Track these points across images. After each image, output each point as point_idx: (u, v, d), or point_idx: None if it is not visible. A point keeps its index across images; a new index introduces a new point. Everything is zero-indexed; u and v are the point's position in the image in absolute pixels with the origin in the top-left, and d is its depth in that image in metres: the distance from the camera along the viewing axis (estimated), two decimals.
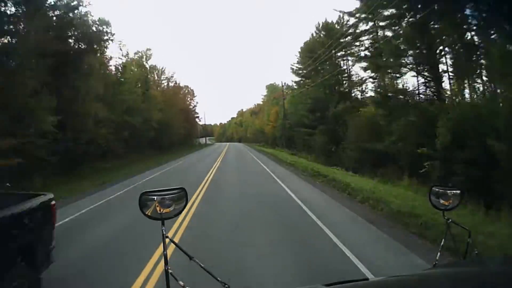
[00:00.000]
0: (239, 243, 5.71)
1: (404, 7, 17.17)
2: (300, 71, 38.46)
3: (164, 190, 1.54)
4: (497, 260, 1.41)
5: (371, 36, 24.59)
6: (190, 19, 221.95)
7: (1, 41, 14.52)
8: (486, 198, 8.90)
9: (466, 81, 14.16)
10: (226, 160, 26.30)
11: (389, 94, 18.28)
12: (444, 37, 15.86)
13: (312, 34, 34.86)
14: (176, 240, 5.03)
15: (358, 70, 30.60)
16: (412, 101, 17.20)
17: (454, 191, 1.81)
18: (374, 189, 10.06)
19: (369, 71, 24.56)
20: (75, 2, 18.66)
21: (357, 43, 27.32)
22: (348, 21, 28.25)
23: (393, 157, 15.87)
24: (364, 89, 28.74)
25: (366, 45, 25.81)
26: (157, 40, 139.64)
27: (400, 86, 19.01)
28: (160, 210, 1.50)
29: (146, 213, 1.52)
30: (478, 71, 13.74)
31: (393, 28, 19.15)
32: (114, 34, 22.89)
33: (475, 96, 13.45)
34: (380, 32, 22.61)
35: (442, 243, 1.72)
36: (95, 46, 20.97)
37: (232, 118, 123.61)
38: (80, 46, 19.49)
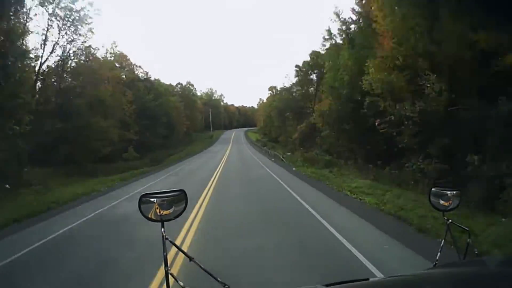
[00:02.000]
0: None
1: None
2: None
3: (163, 192, 1.54)
4: (496, 260, 1.41)
5: None
6: None
7: None
8: None
9: None
10: None
11: None
12: None
13: None
14: None
15: None
16: None
17: (453, 192, 1.81)
18: None
19: None
20: None
21: None
22: None
23: None
24: None
25: None
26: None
27: None
28: (160, 212, 1.50)
29: (146, 215, 1.52)
30: None
31: None
32: None
33: None
34: None
35: (442, 244, 1.72)
36: None
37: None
38: None
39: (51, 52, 23.87)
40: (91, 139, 23.59)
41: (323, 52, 29.57)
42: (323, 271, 4.53)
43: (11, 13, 16.02)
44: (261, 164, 24.65)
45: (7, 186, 12.93)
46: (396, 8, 12.96)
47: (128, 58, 40.46)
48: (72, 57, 26.03)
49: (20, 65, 16.35)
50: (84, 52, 26.75)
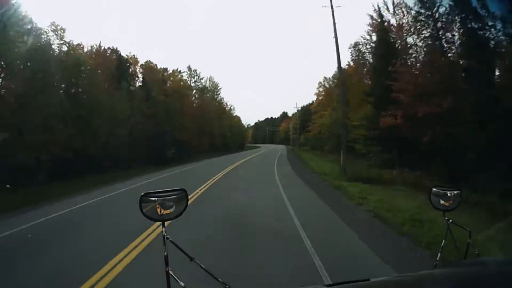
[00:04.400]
0: None
1: None
2: None
3: (164, 191, 1.54)
4: (497, 260, 1.41)
5: None
6: None
7: None
8: None
9: None
10: None
11: None
12: None
13: None
14: None
15: None
16: None
17: (454, 192, 1.81)
18: None
19: None
20: None
21: None
22: None
23: None
24: None
25: None
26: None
27: None
28: (160, 212, 1.50)
29: (147, 214, 1.52)
30: None
31: None
32: None
33: None
34: None
35: (442, 244, 1.72)
36: None
37: None
38: None
39: None
40: None
41: None
42: None
43: None
44: None
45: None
46: None
47: None
48: None
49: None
50: None
